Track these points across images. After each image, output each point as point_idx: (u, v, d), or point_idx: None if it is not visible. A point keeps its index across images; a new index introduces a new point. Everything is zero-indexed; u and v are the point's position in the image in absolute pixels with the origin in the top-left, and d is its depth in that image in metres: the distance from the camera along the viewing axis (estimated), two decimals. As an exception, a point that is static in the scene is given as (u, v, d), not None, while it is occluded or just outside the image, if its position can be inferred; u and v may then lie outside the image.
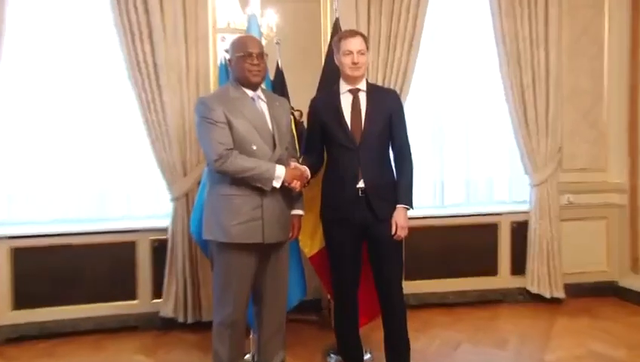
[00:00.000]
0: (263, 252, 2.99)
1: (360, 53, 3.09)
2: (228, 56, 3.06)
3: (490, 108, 4.77)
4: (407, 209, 3.13)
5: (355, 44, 3.10)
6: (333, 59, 3.55)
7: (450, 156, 4.81)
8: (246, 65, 2.91)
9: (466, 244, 4.57)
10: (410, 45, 4.28)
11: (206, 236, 2.98)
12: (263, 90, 3.08)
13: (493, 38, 4.46)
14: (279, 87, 3.89)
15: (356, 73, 3.12)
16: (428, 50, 4.60)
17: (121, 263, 4.13)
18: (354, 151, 3.09)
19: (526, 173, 4.58)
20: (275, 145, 2.94)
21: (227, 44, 3.19)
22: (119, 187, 4.39)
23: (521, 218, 4.62)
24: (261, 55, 2.96)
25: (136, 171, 4.38)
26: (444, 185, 4.82)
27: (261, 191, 2.89)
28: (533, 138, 4.50)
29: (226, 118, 2.85)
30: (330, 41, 3.67)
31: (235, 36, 3.23)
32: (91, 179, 4.33)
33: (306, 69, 4.00)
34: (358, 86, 3.17)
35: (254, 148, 2.89)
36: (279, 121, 3.01)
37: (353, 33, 3.16)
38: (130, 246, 4.15)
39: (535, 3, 4.44)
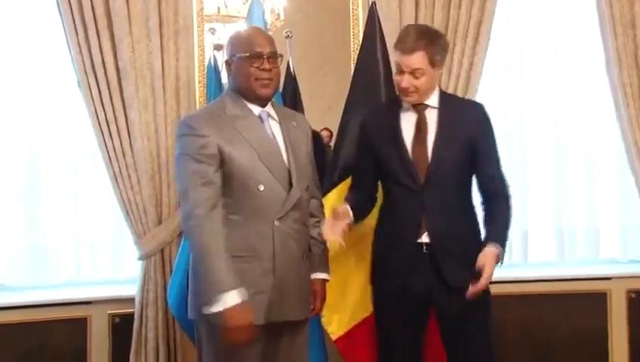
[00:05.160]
0: (273, 334, 2.95)
1: (416, 74, 3.02)
2: (225, 57, 3.06)
3: (593, 130, 4.81)
4: (498, 255, 3.01)
5: (409, 61, 3.02)
6: (368, 60, 3.64)
7: (537, 196, 4.82)
8: (252, 70, 2.89)
9: (561, 322, 4.52)
10: (476, 40, 4.34)
11: (194, 314, 2.97)
12: (273, 105, 3.06)
13: (597, 27, 4.49)
14: (291, 98, 3.99)
15: (408, 100, 3.11)
16: (501, 46, 4.65)
17: (67, 348, 4.13)
18: (417, 192, 3.08)
19: (647, 220, 4.54)
20: (291, 184, 2.93)
21: (218, 39, 3.24)
22: (64, 241, 4.41)
23: (642, 284, 4.52)
24: (274, 56, 2.95)
25: (89, 218, 4.42)
26: (527, 236, 4.82)
27: (274, 247, 2.87)
28: (658, 171, 4.49)
29: (220, 149, 2.82)
30: (364, 35, 3.77)
31: (231, 27, 3.28)
32: (24, 231, 4.36)
33: (327, 72, 4.07)
34: (426, 101, 3.15)
35: (261, 189, 2.86)
36: (297, 150, 3.00)
37: (410, 47, 3.02)
38: (80, 324, 4.16)
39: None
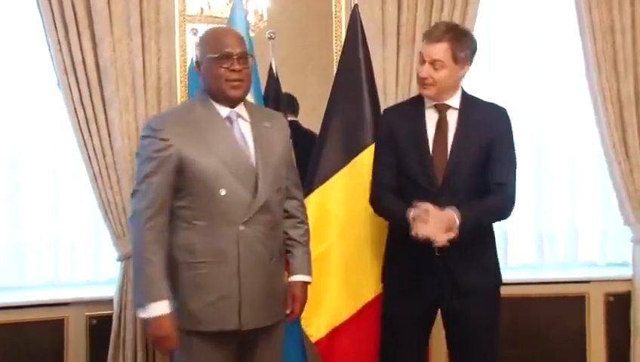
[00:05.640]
0: (245, 341, 2.94)
1: (436, 65, 3.04)
2: (196, 58, 3.02)
3: (573, 133, 4.83)
4: (454, 220, 2.90)
5: (431, 51, 3.04)
6: (350, 62, 3.66)
7: (517, 199, 4.79)
8: (222, 71, 2.84)
9: (540, 325, 4.56)
10: (458, 43, 4.37)
11: None
12: (246, 105, 3.01)
13: (577, 33, 4.50)
14: (273, 100, 3.99)
15: (425, 92, 3.11)
16: (482, 50, 4.64)
17: (44, 350, 4.11)
18: (433, 194, 3.04)
19: (626, 223, 4.58)
20: (256, 188, 2.88)
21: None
22: (41, 241, 4.39)
23: (619, 288, 4.61)
24: (244, 57, 2.89)
25: (66, 218, 4.40)
26: (507, 239, 4.81)
27: (238, 252, 2.83)
28: (636, 175, 4.50)
29: (180, 153, 2.78)
30: (347, 37, 3.79)
31: (208, 28, 3.27)
32: (2, 231, 4.32)
33: (310, 73, 4.08)
34: (447, 102, 3.15)
35: (222, 193, 2.81)
36: (269, 151, 2.93)
37: (436, 36, 3.05)
38: (57, 326, 4.14)
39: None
